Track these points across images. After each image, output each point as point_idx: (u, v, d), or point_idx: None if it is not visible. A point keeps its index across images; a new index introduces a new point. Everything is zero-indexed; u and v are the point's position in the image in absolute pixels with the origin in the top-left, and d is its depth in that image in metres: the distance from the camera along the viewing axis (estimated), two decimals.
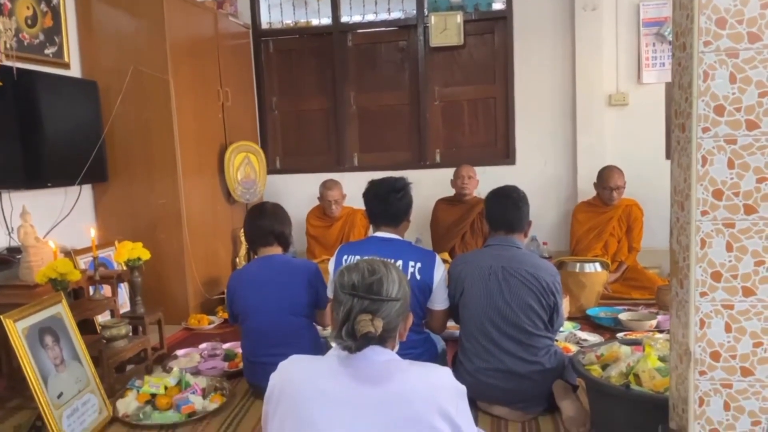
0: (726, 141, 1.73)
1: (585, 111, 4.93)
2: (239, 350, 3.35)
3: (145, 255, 3.28)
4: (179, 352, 3.41)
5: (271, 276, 2.73)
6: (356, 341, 1.40)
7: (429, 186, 5.00)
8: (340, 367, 1.45)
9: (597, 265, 3.98)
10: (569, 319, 3.75)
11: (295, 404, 1.44)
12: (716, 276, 1.76)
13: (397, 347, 1.54)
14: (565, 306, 3.78)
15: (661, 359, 2.29)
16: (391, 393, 1.41)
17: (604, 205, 4.46)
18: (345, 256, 2.66)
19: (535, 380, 2.48)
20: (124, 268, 3.42)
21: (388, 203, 2.62)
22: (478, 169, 4.77)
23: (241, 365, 3.17)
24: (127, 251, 3.22)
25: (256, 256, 2.89)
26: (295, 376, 1.48)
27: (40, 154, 3.44)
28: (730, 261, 1.75)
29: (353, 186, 4.86)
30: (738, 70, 1.70)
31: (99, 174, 3.93)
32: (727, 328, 1.77)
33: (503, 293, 2.47)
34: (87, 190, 4.06)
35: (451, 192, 4.76)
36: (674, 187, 1.90)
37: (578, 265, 3.96)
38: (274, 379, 1.53)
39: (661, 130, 4.89)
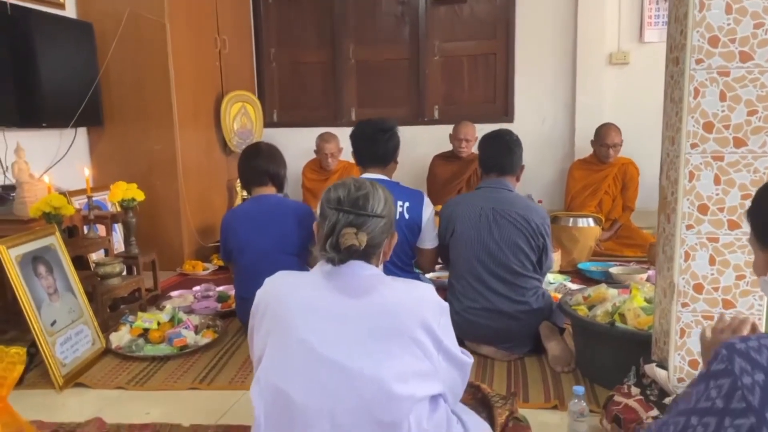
0: (719, 73, 1.73)
1: (585, 69, 4.90)
2: (232, 292, 3.39)
3: (140, 196, 3.29)
4: (173, 293, 3.44)
5: (264, 214, 2.74)
6: (340, 253, 1.42)
7: (427, 142, 4.99)
8: (325, 280, 1.47)
9: (590, 220, 4.00)
10: (561, 272, 3.78)
11: (279, 315, 1.46)
12: (703, 209, 1.77)
13: (381, 266, 1.56)
14: (556, 260, 3.82)
15: (647, 300, 2.32)
16: (374, 305, 1.43)
17: (601, 163, 4.46)
18: None
19: (522, 320, 2.51)
20: (119, 209, 3.44)
21: (375, 143, 2.61)
22: (477, 127, 4.74)
23: (233, 306, 3.21)
24: (121, 191, 3.23)
25: (249, 196, 2.90)
26: (281, 290, 1.50)
27: (34, 94, 3.42)
28: (717, 194, 1.76)
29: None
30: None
31: (94, 118, 3.91)
32: (711, 261, 1.79)
33: (493, 234, 2.49)
34: (82, 134, 4.05)
35: (449, 147, 4.75)
36: (666, 122, 1.90)
37: (571, 219, 3.97)
38: (260, 293, 1.55)
39: (662, 91, 4.83)
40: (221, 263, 4.20)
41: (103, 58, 3.91)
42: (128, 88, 4.03)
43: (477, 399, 1.78)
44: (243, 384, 2.37)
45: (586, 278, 3.74)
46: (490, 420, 1.69)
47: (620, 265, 3.84)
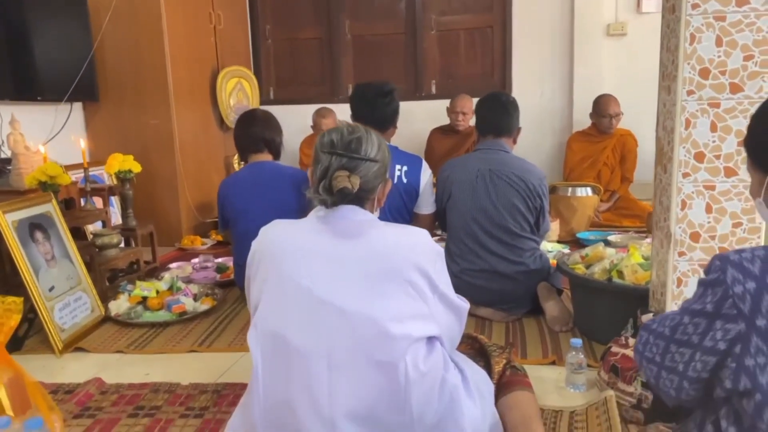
0: (715, 18, 1.72)
1: (583, 41, 4.87)
2: (231, 263, 3.39)
3: (136, 167, 3.28)
4: (172, 265, 3.44)
5: (261, 181, 2.73)
6: (332, 196, 1.41)
7: (424, 117, 4.98)
8: (319, 224, 1.47)
9: (588, 189, 3.99)
10: (559, 241, 3.79)
11: (274, 262, 1.46)
12: (699, 157, 1.77)
13: (377, 213, 1.56)
14: (555, 229, 3.82)
15: (645, 258, 2.32)
16: (368, 247, 1.42)
17: (600, 134, 4.45)
18: None
19: (519, 281, 2.51)
20: (115, 182, 3.43)
21: (375, 107, 2.59)
22: (474, 100, 4.72)
23: (232, 276, 3.21)
24: (117, 163, 3.22)
25: (245, 164, 2.89)
26: (275, 237, 1.50)
27: (28, 67, 3.41)
28: (713, 141, 1.76)
29: (348, 117, 4.83)
30: None
31: (89, 93, 3.90)
32: (708, 209, 1.79)
33: (490, 195, 2.49)
34: (78, 109, 4.03)
35: (447, 121, 4.73)
36: (662, 73, 1.89)
37: (569, 189, 3.97)
38: (255, 243, 1.55)
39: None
40: (220, 238, 4.21)
41: (97, 32, 3.89)
42: (123, 63, 4.01)
43: (475, 349, 1.79)
44: (242, 347, 2.38)
45: (584, 247, 3.73)
46: (488, 368, 1.69)
47: (619, 234, 3.84)
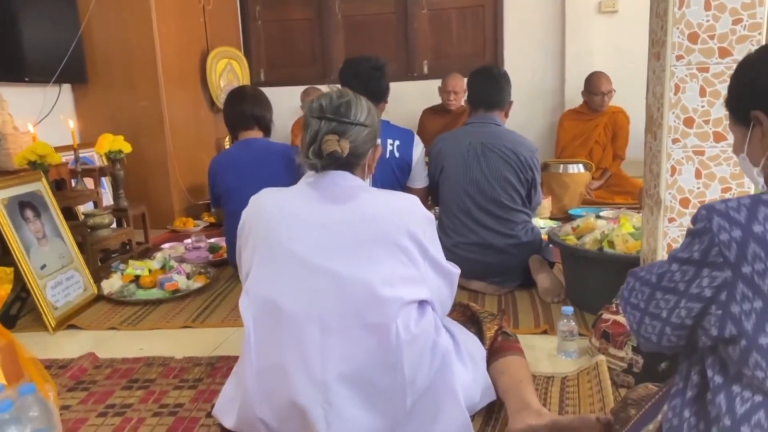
0: None
1: (574, 19, 4.85)
2: (224, 244, 3.38)
3: (127, 148, 3.27)
4: (164, 245, 3.43)
5: (251, 158, 2.72)
6: (322, 159, 1.41)
7: (416, 98, 4.96)
8: (309, 190, 1.47)
9: (580, 166, 4.00)
10: (551, 218, 3.79)
11: (265, 229, 1.46)
12: (689, 122, 1.77)
13: (368, 181, 1.56)
14: (547, 206, 3.83)
15: (635, 228, 2.33)
16: (359, 212, 1.43)
17: (592, 112, 4.44)
18: None
19: (511, 254, 2.52)
20: (105, 163, 3.41)
21: (369, 81, 2.57)
22: (466, 80, 4.70)
23: (225, 256, 3.21)
24: (108, 143, 3.20)
25: (235, 140, 2.88)
26: (265, 205, 1.50)
27: (15, 47, 3.37)
28: (703, 106, 1.76)
29: None
30: None
31: (77, 74, 3.86)
32: (697, 174, 1.79)
33: (482, 168, 2.49)
34: (66, 91, 3.99)
35: (439, 101, 4.72)
36: (651, 39, 1.89)
37: (561, 166, 3.98)
38: (245, 212, 1.55)
39: None
40: (212, 219, 4.20)
41: (84, 13, 3.85)
42: (111, 43, 3.97)
43: (466, 316, 1.80)
44: (235, 322, 2.38)
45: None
46: (479, 335, 1.70)
47: (611, 210, 3.85)
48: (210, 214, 4.30)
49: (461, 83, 4.53)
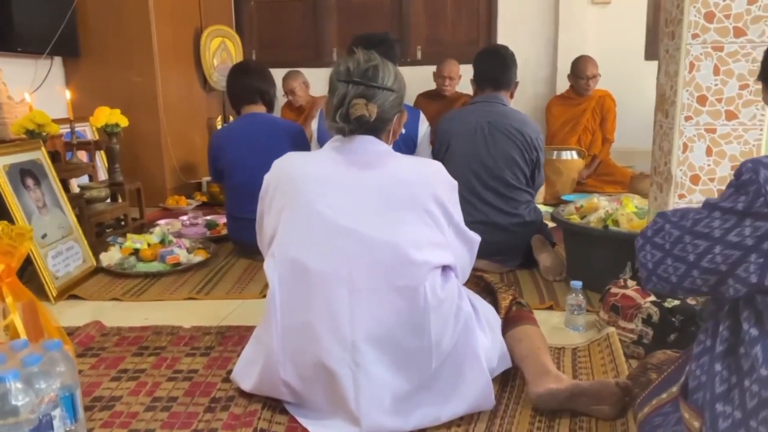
0: None
1: (568, 8, 4.90)
2: (221, 220, 3.36)
3: (123, 121, 3.22)
4: (160, 221, 3.40)
5: (255, 132, 2.71)
6: (350, 124, 1.41)
7: (410, 83, 4.84)
8: (336, 154, 1.47)
9: (573, 152, 4.06)
10: (545, 204, 3.84)
11: (292, 191, 1.46)
12: (702, 100, 1.81)
13: (391, 146, 1.56)
14: (540, 191, 3.87)
15: (638, 208, 2.37)
16: (387, 176, 1.44)
17: (578, 96, 4.48)
18: None
19: (515, 232, 2.55)
20: (97, 137, 3.35)
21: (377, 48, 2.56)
22: (461, 67, 4.71)
23: (223, 232, 3.19)
24: (105, 116, 3.15)
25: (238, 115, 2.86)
26: (292, 168, 1.50)
27: (7, 16, 3.29)
28: (716, 84, 1.79)
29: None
30: None
31: (70, 47, 3.80)
32: (708, 152, 1.83)
33: (488, 147, 2.51)
34: (58, 64, 3.92)
35: (433, 86, 4.72)
36: (665, 19, 1.92)
37: (555, 152, 4.02)
38: (269, 176, 1.54)
39: (642, 31, 4.90)
40: (205, 198, 4.17)
41: None
42: (106, 18, 3.91)
43: (480, 287, 1.82)
44: (240, 294, 2.38)
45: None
46: (494, 304, 1.72)
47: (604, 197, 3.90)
48: (202, 193, 4.27)
49: (456, 69, 4.54)
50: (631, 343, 1.80)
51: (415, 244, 1.39)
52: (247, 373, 1.54)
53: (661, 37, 1.95)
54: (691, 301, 1.76)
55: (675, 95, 1.83)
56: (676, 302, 1.76)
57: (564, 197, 3.91)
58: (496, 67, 2.59)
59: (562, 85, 4.87)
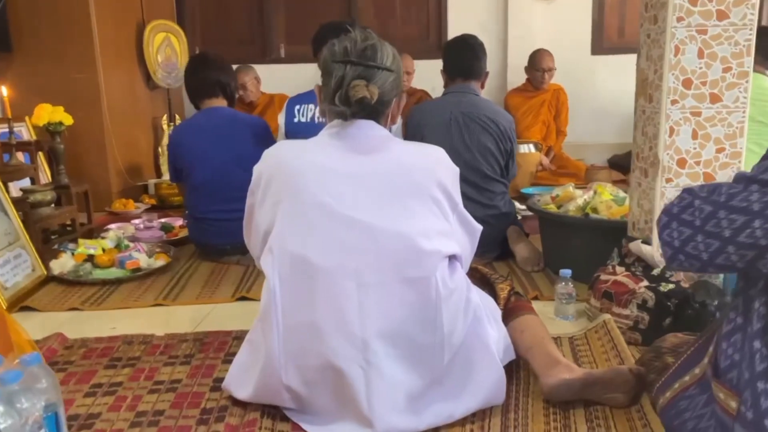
0: None
1: (516, 5, 4.96)
2: (177, 222, 3.19)
3: (68, 119, 3.00)
4: (111, 226, 3.18)
5: (218, 127, 2.57)
6: (351, 107, 1.33)
7: None
8: (334, 140, 1.38)
9: (531, 146, 4.08)
10: None
11: (290, 182, 1.35)
12: (687, 83, 1.81)
13: (390, 129, 1.48)
14: None
15: (614, 196, 2.38)
16: (390, 162, 1.36)
17: (535, 89, 4.55)
18: (297, 106, 2.55)
19: (492, 224, 2.51)
20: (34, 137, 3.11)
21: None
22: (416, 62, 4.66)
23: (180, 235, 3.03)
24: (47, 114, 2.93)
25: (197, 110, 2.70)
26: (286, 158, 1.40)
27: None
28: (700, 67, 1.80)
29: (280, 77, 4.67)
30: None
31: (1, 42, 3.52)
32: (694, 135, 1.84)
33: (464, 138, 2.47)
34: None
35: None
36: (646, 4, 1.92)
37: None
38: (260, 166, 1.44)
39: (588, 26, 5.01)
40: (153, 201, 3.96)
41: None
42: (41, 11, 3.64)
43: (476, 278, 1.76)
44: (211, 298, 2.24)
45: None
46: (493, 296, 1.67)
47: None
48: (150, 196, 4.05)
49: (411, 64, 4.50)
50: (627, 329, 1.78)
51: (424, 232, 1.32)
52: (242, 380, 1.43)
53: (641, 22, 1.95)
54: (684, 284, 1.77)
55: (660, 79, 1.83)
56: (671, 286, 1.75)
57: (523, 190, 3.93)
58: (466, 57, 2.55)
59: (513, 78, 4.92)
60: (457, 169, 1.47)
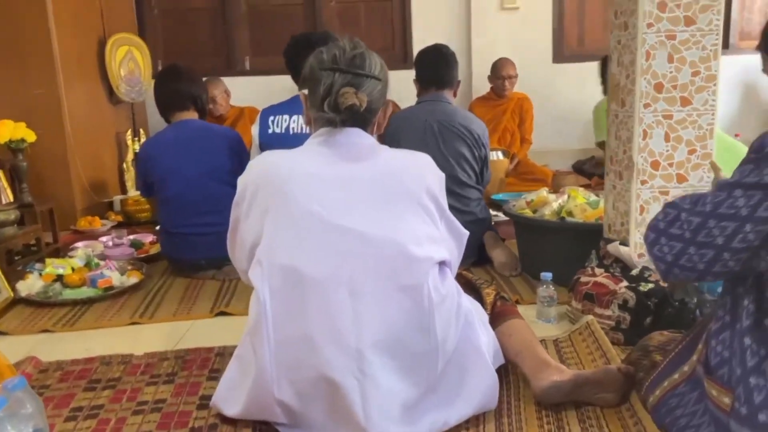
0: None
1: (479, 14, 5.03)
2: (147, 239, 3.12)
3: (30, 136, 2.92)
4: (78, 244, 3.09)
5: (190, 139, 2.53)
6: (340, 114, 1.32)
7: None
8: (322, 148, 1.38)
9: (499, 153, 4.13)
10: None
11: (278, 191, 1.34)
12: (658, 87, 1.86)
13: (375, 137, 1.48)
14: None
15: (588, 199, 2.42)
16: (379, 169, 1.36)
17: (498, 98, 4.61)
18: (271, 117, 2.52)
19: (469, 230, 2.50)
20: None
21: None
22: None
23: (152, 251, 2.96)
24: (9, 131, 2.84)
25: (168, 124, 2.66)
26: (274, 166, 1.38)
27: None
28: (671, 72, 1.85)
29: (245, 91, 4.63)
30: None
31: None
32: (666, 138, 1.89)
33: (440, 146, 2.48)
34: None
35: None
36: (615, 11, 1.96)
37: None
38: (245, 177, 1.42)
39: (549, 35, 5.11)
40: (120, 218, 3.86)
41: None
42: None
43: (462, 284, 1.75)
44: (189, 315, 2.20)
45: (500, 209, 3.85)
46: (480, 301, 1.67)
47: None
48: (116, 212, 3.96)
49: None
50: (609, 330, 1.81)
51: (415, 239, 1.32)
52: (231, 397, 1.39)
53: (611, 29, 2.00)
54: (663, 283, 1.80)
55: (633, 84, 1.87)
56: (651, 285, 1.79)
57: (493, 197, 3.97)
58: (439, 67, 2.58)
59: (477, 87, 4.98)
60: (443, 175, 1.48)
